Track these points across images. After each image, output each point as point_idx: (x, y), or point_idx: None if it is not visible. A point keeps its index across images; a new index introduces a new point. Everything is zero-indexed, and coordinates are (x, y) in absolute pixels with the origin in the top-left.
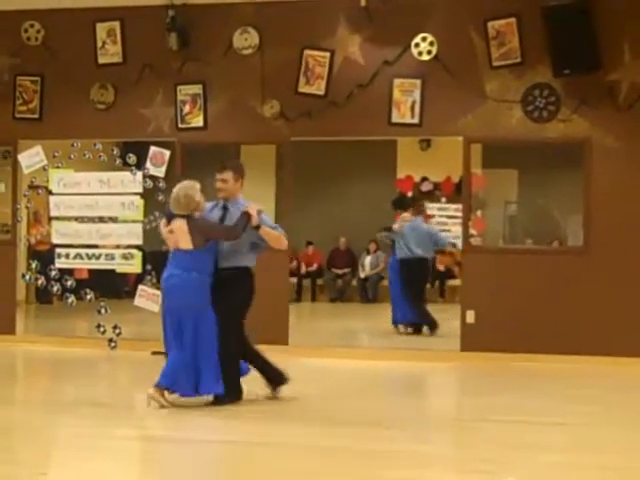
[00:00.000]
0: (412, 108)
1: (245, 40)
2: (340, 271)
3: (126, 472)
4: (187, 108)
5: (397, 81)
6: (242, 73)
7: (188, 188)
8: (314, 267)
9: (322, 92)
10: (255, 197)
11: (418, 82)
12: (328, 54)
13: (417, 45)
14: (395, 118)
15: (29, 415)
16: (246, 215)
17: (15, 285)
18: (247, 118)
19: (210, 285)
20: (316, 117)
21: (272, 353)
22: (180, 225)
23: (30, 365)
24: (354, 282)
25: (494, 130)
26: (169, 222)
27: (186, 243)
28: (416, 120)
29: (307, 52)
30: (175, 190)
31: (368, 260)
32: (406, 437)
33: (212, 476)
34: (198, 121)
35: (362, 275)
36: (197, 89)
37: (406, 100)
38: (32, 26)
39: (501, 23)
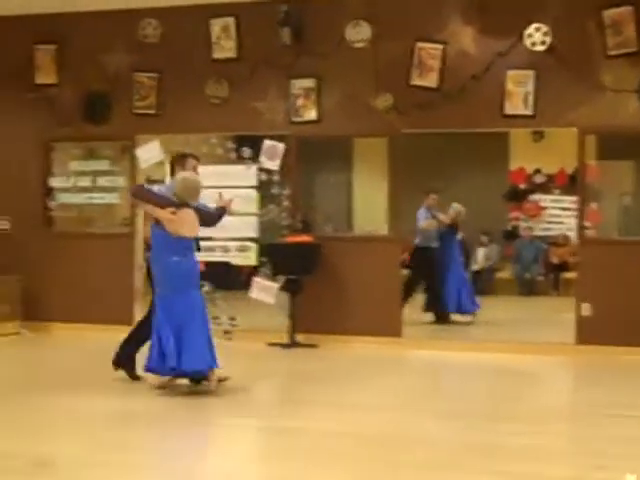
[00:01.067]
0: (525, 99)
1: (357, 33)
2: None
3: (243, 460)
4: (300, 101)
5: (510, 72)
6: (355, 66)
7: (198, 180)
8: None
9: (435, 84)
10: (368, 189)
11: (531, 73)
12: (441, 46)
13: (530, 35)
14: (508, 110)
15: (147, 405)
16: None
17: (133, 278)
18: (360, 111)
19: None
20: (429, 109)
21: (385, 345)
22: (191, 213)
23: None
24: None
25: (609, 121)
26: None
27: (193, 230)
28: (530, 111)
29: (419, 44)
30: (188, 180)
31: (481, 253)
32: (522, 431)
33: (330, 468)
34: (311, 114)
35: (475, 268)
36: (310, 83)
37: (519, 91)
38: (149, 24)
39: (617, 12)
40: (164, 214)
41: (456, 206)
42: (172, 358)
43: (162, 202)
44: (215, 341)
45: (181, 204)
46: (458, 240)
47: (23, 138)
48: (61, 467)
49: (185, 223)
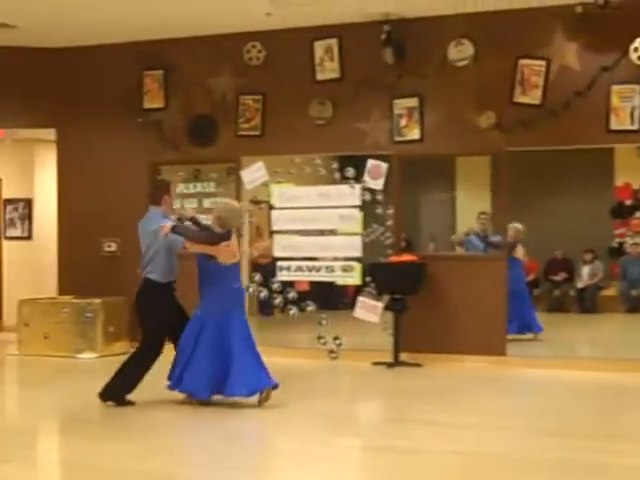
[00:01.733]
0: (632, 114)
1: (460, 52)
2: (558, 277)
3: None
4: (403, 121)
5: (615, 87)
6: (457, 85)
7: (239, 205)
8: (530, 277)
9: (538, 101)
10: (471, 207)
11: (638, 88)
12: (544, 63)
13: (636, 49)
14: (614, 125)
15: (255, 424)
16: None
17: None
18: (463, 129)
19: None
20: (532, 127)
21: (489, 364)
22: (234, 238)
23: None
24: (571, 292)
25: None
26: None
27: (238, 255)
28: (636, 127)
29: (522, 62)
30: (233, 206)
31: (586, 270)
32: (628, 450)
33: None
34: (414, 134)
35: (580, 285)
36: (413, 102)
37: (625, 106)
38: (254, 47)
39: None
40: (224, 251)
41: (516, 225)
42: (217, 382)
43: (214, 238)
44: (321, 361)
45: (227, 232)
46: (519, 259)
47: (132, 161)
48: None
49: (235, 250)
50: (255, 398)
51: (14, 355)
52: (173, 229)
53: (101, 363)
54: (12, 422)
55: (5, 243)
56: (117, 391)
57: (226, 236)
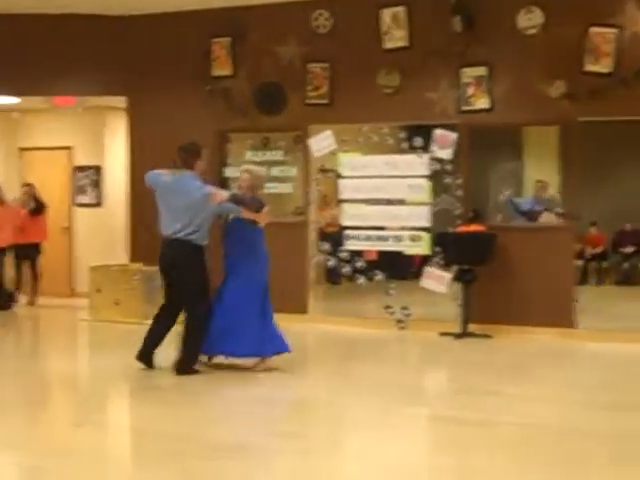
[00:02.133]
0: None
1: (529, 20)
2: (628, 250)
3: (416, 451)
4: (471, 90)
5: None
6: (526, 53)
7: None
8: (599, 249)
9: (609, 70)
10: (539, 178)
11: None
12: (616, 30)
13: None
14: None
15: (322, 392)
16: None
17: (308, 266)
18: (532, 99)
19: None
20: (603, 96)
21: (556, 337)
22: None
23: (321, 344)
24: None
25: None
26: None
27: None
28: None
29: (593, 29)
30: (261, 172)
31: None
32: None
33: (502, 459)
34: (483, 103)
35: None
36: (481, 71)
37: None
38: (321, 15)
39: None
40: (265, 216)
41: None
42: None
43: (262, 205)
44: (388, 331)
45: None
46: None
47: (200, 129)
48: (233, 452)
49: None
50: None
51: (86, 320)
52: (231, 198)
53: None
54: (83, 387)
55: (76, 210)
56: (189, 364)
57: (262, 203)
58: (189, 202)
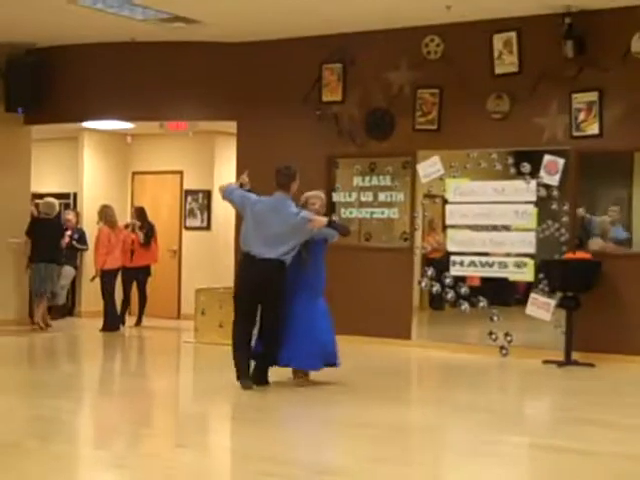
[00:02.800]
0: None
1: None
2: None
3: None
4: (582, 116)
5: None
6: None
7: None
8: None
9: None
10: None
11: None
12: None
13: None
14: None
15: (424, 417)
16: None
17: (412, 291)
18: None
19: None
20: None
21: None
22: None
23: (423, 369)
24: None
25: None
26: None
27: None
28: None
29: None
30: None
31: None
32: None
33: None
34: (593, 129)
35: None
36: (592, 96)
37: None
38: (432, 40)
39: None
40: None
41: None
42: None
43: (346, 230)
44: (490, 357)
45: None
46: None
47: (309, 154)
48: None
49: None
50: None
51: (190, 342)
52: (329, 224)
53: None
54: (186, 407)
55: (185, 233)
56: (266, 374)
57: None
58: (288, 225)
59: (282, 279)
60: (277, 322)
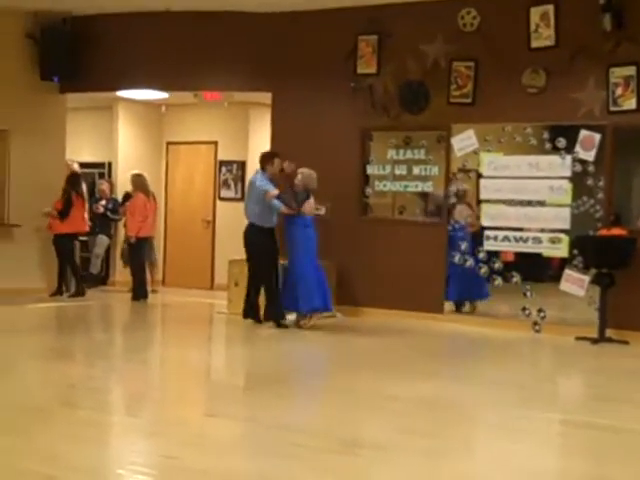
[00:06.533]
0: None
1: None
2: None
3: (548, 456)
4: (619, 90)
5: None
6: None
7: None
8: None
9: None
10: None
11: None
12: None
13: None
14: None
15: (454, 391)
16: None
17: (444, 265)
18: None
19: None
20: None
21: None
22: None
23: (455, 344)
24: None
25: None
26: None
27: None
28: None
29: None
30: (313, 174)
31: None
32: None
33: (635, 467)
34: (630, 104)
35: None
36: (630, 71)
37: None
38: (468, 13)
39: None
40: (307, 207)
41: None
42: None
43: (292, 205)
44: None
45: (306, 193)
46: None
47: (344, 126)
48: (362, 449)
49: (313, 205)
50: None
51: (223, 313)
52: (277, 196)
53: None
54: (217, 378)
55: (219, 204)
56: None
57: (303, 196)
58: (255, 195)
59: (258, 240)
60: (261, 279)
